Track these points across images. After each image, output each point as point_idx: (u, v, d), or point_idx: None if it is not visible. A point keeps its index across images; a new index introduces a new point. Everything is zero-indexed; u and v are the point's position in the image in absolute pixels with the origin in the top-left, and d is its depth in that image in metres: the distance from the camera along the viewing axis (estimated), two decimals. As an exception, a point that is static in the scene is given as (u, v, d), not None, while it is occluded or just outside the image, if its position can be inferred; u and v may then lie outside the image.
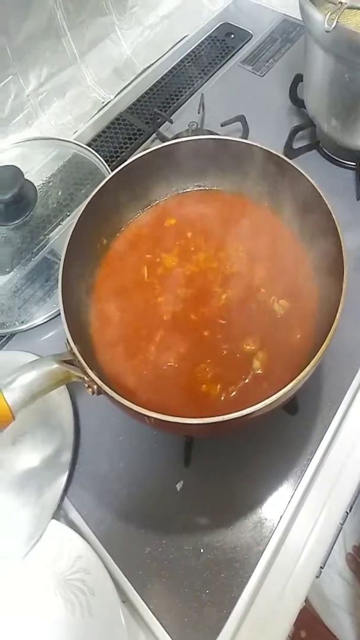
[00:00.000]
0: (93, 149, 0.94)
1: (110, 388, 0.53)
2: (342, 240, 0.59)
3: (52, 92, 1.08)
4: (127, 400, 0.52)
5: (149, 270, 0.71)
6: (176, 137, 0.99)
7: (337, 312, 0.55)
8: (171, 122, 1.04)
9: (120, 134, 1.06)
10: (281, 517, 0.65)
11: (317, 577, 0.65)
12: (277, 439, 0.69)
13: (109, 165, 0.91)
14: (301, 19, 0.79)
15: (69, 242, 0.63)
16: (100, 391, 0.55)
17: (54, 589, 0.61)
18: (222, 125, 0.98)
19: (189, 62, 1.17)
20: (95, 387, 0.55)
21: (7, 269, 0.85)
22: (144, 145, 1.04)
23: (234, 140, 0.71)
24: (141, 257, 0.72)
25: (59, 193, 0.91)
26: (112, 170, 0.69)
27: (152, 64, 1.19)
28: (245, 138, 0.94)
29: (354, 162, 0.92)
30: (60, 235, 0.87)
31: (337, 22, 0.69)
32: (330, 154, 0.94)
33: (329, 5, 0.73)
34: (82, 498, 0.68)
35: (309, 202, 0.65)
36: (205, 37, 1.21)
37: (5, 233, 0.86)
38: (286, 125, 0.99)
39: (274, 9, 1.24)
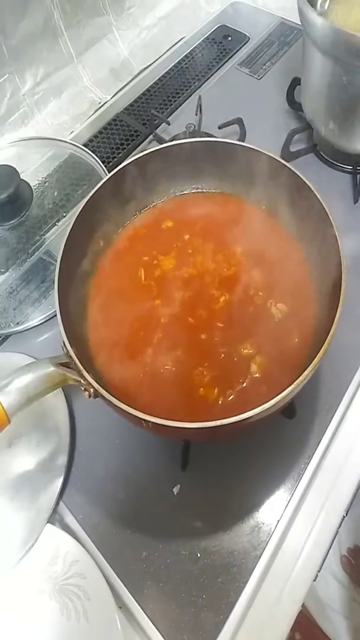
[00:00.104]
0: (89, 149, 0.94)
1: (106, 391, 0.53)
2: (340, 244, 0.59)
3: (49, 91, 1.08)
4: (124, 403, 0.51)
5: (146, 272, 0.70)
6: (173, 138, 0.98)
7: (335, 316, 0.55)
8: (168, 123, 1.04)
9: (117, 135, 1.05)
10: (278, 521, 0.64)
11: (313, 580, 0.64)
12: (275, 443, 0.68)
13: (105, 166, 0.91)
14: (298, 22, 0.79)
15: (65, 243, 0.63)
16: (96, 394, 0.54)
17: (50, 594, 0.61)
18: (219, 128, 0.98)
19: (186, 63, 1.16)
20: (91, 390, 0.54)
21: (2, 270, 0.84)
22: (141, 146, 1.03)
23: (232, 143, 0.71)
24: (138, 259, 0.72)
25: (55, 193, 0.91)
26: (108, 171, 0.69)
27: (149, 65, 1.18)
28: (243, 141, 0.94)
29: (351, 165, 0.92)
30: (56, 236, 0.86)
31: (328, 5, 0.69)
32: (327, 157, 0.94)
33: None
34: (78, 502, 0.67)
35: (306, 206, 0.65)
36: (202, 39, 1.21)
37: (0, 233, 0.85)
38: (283, 128, 0.98)
39: (270, 12, 1.24)
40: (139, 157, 0.70)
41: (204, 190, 0.78)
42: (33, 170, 0.94)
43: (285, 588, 0.60)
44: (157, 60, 1.19)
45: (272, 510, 0.65)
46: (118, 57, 1.19)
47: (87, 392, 0.55)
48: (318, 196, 0.63)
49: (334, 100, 0.81)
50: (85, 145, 1.00)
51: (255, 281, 0.68)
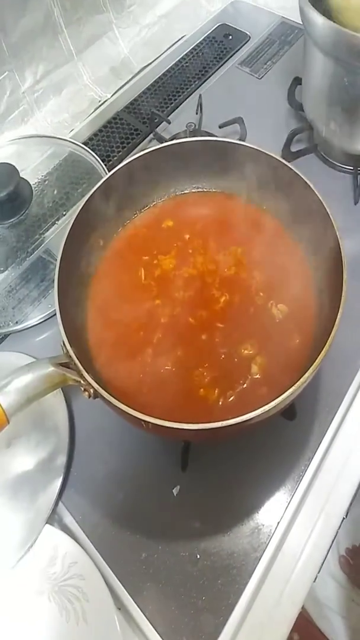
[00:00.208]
0: (89, 148, 0.93)
1: (106, 392, 0.52)
2: (342, 245, 0.59)
3: (49, 89, 1.07)
4: (124, 404, 0.51)
5: (146, 272, 0.70)
6: (174, 137, 0.98)
7: (336, 317, 0.55)
8: (169, 122, 1.04)
9: (117, 133, 1.05)
10: (278, 523, 0.64)
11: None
12: (275, 444, 0.68)
13: (105, 165, 0.90)
14: (299, 21, 0.79)
15: (65, 242, 0.63)
16: (96, 395, 0.54)
17: (48, 595, 0.60)
18: (220, 127, 0.98)
19: (186, 62, 1.16)
20: (91, 390, 0.54)
21: (2, 268, 0.83)
22: (141, 145, 1.03)
23: (233, 143, 0.71)
24: (138, 258, 0.71)
25: (55, 192, 0.90)
26: (108, 170, 0.69)
27: (150, 64, 1.18)
28: (243, 140, 0.93)
29: (351, 166, 0.92)
30: (56, 235, 0.86)
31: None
32: (328, 158, 0.94)
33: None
34: (77, 503, 0.67)
35: (307, 206, 0.65)
36: (203, 37, 1.21)
37: (-1, 232, 0.85)
38: (284, 128, 0.98)
39: (271, 11, 1.24)
40: (139, 156, 0.70)
41: (205, 190, 0.77)
42: (33, 168, 0.93)
43: (285, 590, 0.60)
44: (157, 58, 1.19)
45: (272, 512, 0.65)
46: (118, 55, 1.18)
47: (86, 393, 0.55)
48: (319, 197, 0.63)
49: (335, 100, 0.81)
50: (85, 143, 0.99)
51: (256, 282, 0.68)
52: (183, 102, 1.09)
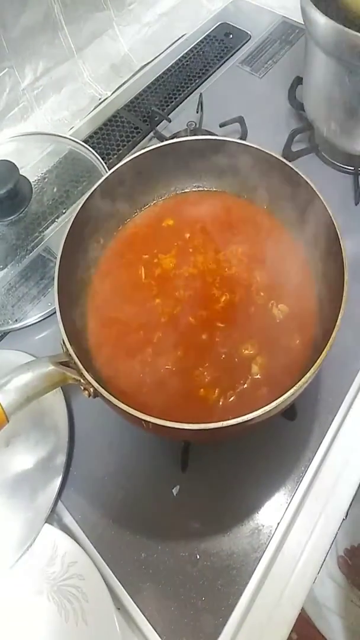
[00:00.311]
0: (89, 146, 0.93)
1: (106, 391, 0.52)
2: (343, 245, 0.58)
3: (48, 86, 1.07)
4: (124, 403, 0.51)
5: (147, 271, 0.70)
6: (174, 136, 0.98)
7: (337, 318, 0.54)
8: (169, 120, 1.03)
9: (117, 131, 1.04)
10: (278, 523, 0.64)
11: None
12: (275, 445, 0.68)
13: (105, 163, 0.90)
14: (301, 21, 0.79)
15: (65, 240, 0.63)
16: (96, 394, 0.54)
17: (48, 595, 0.60)
18: (220, 126, 0.98)
19: (187, 61, 1.16)
20: (91, 389, 0.54)
21: (1, 266, 0.83)
22: (141, 143, 1.03)
23: (235, 142, 0.70)
24: (138, 257, 0.71)
25: (55, 190, 0.90)
26: (108, 168, 0.68)
27: (150, 62, 1.17)
28: (244, 139, 0.93)
29: (352, 166, 0.92)
30: (56, 233, 0.85)
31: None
32: (328, 158, 0.94)
33: None
34: (77, 502, 0.67)
35: (308, 206, 0.65)
36: (203, 36, 1.20)
37: (-1, 229, 0.85)
38: (284, 127, 0.98)
39: (272, 10, 1.23)
40: (140, 155, 0.70)
41: (205, 189, 0.77)
42: (32, 166, 0.93)
43: (285, 591, 0.60)
44: (158, 57, 1.18)
45: (272, 513, 0.65)
46: (118, 53, 1.18)
47: (86, 392, 0.55)
48: (321, 197, 0.63)
49: (336, 100, 0.81)
50: (85, 141, 0.99)
51: (257, 281, 0.67)
52: (183, 100, 1.08)
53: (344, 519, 0.65)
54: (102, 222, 0.71)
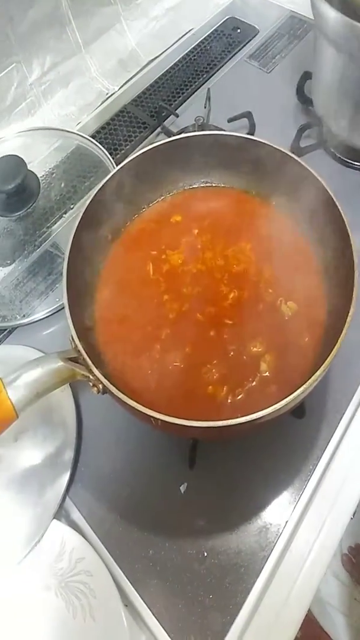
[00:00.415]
0: (96, 141, 0.93)
1: (115, 387, 0.52)
2: (353, 241, 0.58)
3: (56, 81, 1.07)
4: (133, 400, 0.51)
5: (155, 267, 0.70)
6: (182, 131, 0.98)
7: (347, 315, 0.54)
8: (177, 116, 1.03)
9: (125, 126, 1.04)
10: (286, 522, 0.64)
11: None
12: (283, 443, 0.68)
13: (112, 158, 0.90)
14: (309, 15, 0.78)
15: (74, 235, 0.62)
16: (105, 390, 0.54)
17: (55, 591, 0.60)
18: (229, 121, 0.97)
19: (194, 55, 1.15)
20: (100, 386, 0.54)
21: (9, 261, 0.83)
22: (149, 139, 1.02)
23: (245, 137, 0.70)
24: (146, 253, 0.71)
25: (62, 185, 0.90)
26: (116, 164, 0.68)
27: (158, 57, 1.17)
28: (252, 135, 0.93)
29: (361, 162, 0.92)
30: (63, 228, 0.85)
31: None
32: (337, 154, 0.93)
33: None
34: (84, 498, 0.67)
35: (318, 203, 0.65)
36: (211, 30, 1.19)
37: (7, 224, 0.85)
38: (292, 123, 0.98)
39: (280, 4, 1.22)
40: (149, 150, 0.70)
41: (214, 185, 0.77)
42: (40, 161, 0.92)
43: (293, 590, 0.60)
44: (165, 51, 1.18)
45: (280, 511, 0.65)
46: (126, 47, 1.17)
47: (95, 388, 0.55)
48: (330, 193, 0.62)
49: (346, 96, 0.80)
50: (92, 136, 0.98)
51: (265, 278, 0.67)
52: (191, 95, 1.08)
53: (351, 518, 0.65)
54: (110, 218, 0.71)
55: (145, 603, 0.60)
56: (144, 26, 1.20)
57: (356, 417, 0.69)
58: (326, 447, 0.68)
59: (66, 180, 0.91)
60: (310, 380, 0.51)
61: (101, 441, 0.71)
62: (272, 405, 0.50)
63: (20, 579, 0.61)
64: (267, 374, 0.60)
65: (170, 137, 0.73)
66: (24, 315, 0.80)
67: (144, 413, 0.50)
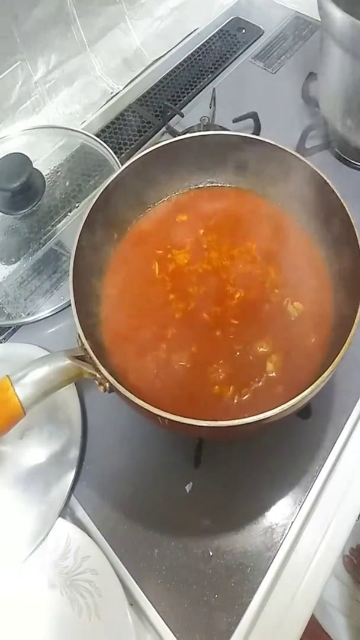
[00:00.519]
0: (101, 140, 0.93)
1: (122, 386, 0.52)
2: (360, 243, 0.58)
3: (61, 80, 1.06)
4: (141, 399, 0.51)
5: (160, 266, 0.69)
6: (187, 131, 0.98)
7: (355, 316, 0.54)
8: (182, 115, 1.03)
9: (129, 126, 1.04)
10: (292, 522, 0.64)
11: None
12: (289, 443, 0.68)
13: (117, 158, 0.90)
14: (314, 16, 0.79)
15: (80, 233, 0.62)
16: (112, 389, 0.54)
17: (60, 589, 0.60)
18: (234, 122, 0.97)
19: (199, 55, 1.15)
20: (107, 384, 0.54)
21: (14, 259, 0.83)
22: (154, 138, 1.02)
23: (252, 138, 0.70)
24: (152, 252, 0.71)
25: (67, 184, 0.90)
26: (121, 163, 0.68)
27: (162, 56, 1.17)
28: (257, 135, 0.93)
29: (367, 164, 0.92)
30: (68, 227, 0.85)
31: None
32: (342, 155, 0.93)
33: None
34: (89, 497, 0.66)
35: (325, 204, 0.65)
36: (216, 30, 1.20)
37: (12, 222, 0.85)
38: (297, 123, 0.98)
39: (285, 5, 1.23)
40: (154, 149, 0.70)
41: (219, 185, 0.77)
42: (45, 159, 0.92)
43: (298, 591, 0.60)
44: (170, 51, 1.18)
45: (285, 512, 0.65)
46: (130, 47, 1.17)
47: (102, 387, 0.55)
48: (337, 193, 0.62)
49: (352, 96, 0.80)
50: (97, 135, 0.98)
51: (271, 278, 0.67)
52: (196, 95, 1.08)
53: (357, 519, 0.65)
54: (116, 217, 0.71)
55: (150, 602, 0.60)
56: (148, 25, 1.20)
57: (362, 418, 0.69)
58: (332, 448, 0.68)
59: (71, 179, 0.91)
60: (317, 381, 0.51)
61: (106, 440, 0.70)
62: (278, 405, 0.50)
63: (25, 577, 0.61)
64: (273, 374, 0.60)
65: (175, 136, 0.73)
66: (28, 314, 0.80)
67: (151, 412, 0.50)
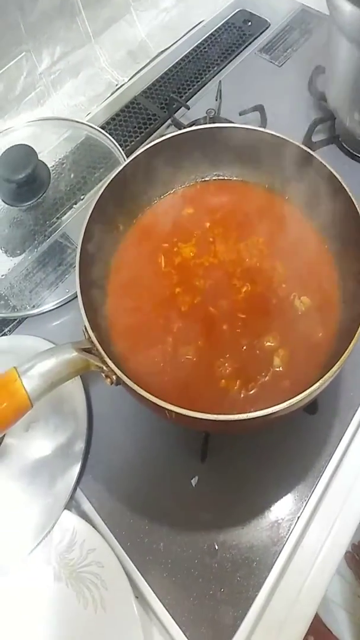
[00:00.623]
0: (106, 132, 0.92)
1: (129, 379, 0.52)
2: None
3: (65, 71, 1.06)
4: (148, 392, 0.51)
5: (166, 259, 0.69)
6: (193, 123, 0.97)
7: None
8: (188, 108, 1.02)
9: (134, 118, 1.03)
10: (299, 517, 0.63)
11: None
12: (295, 438, 0.68)
13: (122, 150, 0.89)
14: (319, 9, 0.78)
15: (86, 225, 0.62)
16: (118, 382, 0.53)
17: (66, 581, 0.60)
18: (240, 114, 0.96)
19: (205, 48, 1.14)
20: (114, 377, 0.53)
21: (19, 251, 0.83)
22: (159, 130, 1.01)
23: (259, 131, 0.70)
24: (158, 246, 0.70)
25: (72, 176, 0.89)
26: (126, 155, 0.67)
27: (168, 48, 1.16)
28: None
29: (375, 158, 0.91)
30: (73, 219, 0.85)
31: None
32: (349, 149, 0.93)
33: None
34: (95, 489, 0.66)
35: (332, 198, 0.64)
36: (222, 23, 1.19)
37: (17, 214, 0.84)
38: (304, 117, 0.97)
39: (291, -2, 1.22)
40: (161, 141, 0.69)
41: (226, 178, 0.76)
42: (49, 151, 0.92)
43: (304, 586, 0.60)
44: (175, 43, 1.17)
45: (292, 506, 0.64)
46: (135, 38, 1.16)
47: (108, 379, 0.54)
48: (346, 188, 0.62)
49: (360, 90, 0.80)
50: (102, 127, 0.97)
51: (278, 273, 0.67)
52: (201, 88, 1.07)
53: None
54: (122, 210, 0.70)
55: (156, 595, 0.59)
56: (153, 17, 1.19)
57: (369, 414, 0.69)
58: (338, 444, 0.67)
59: (76, 171, 0.90)
60: (326, 376, 0.51)
61: (112, 433, 0.70)
62: (285, 400, 0.49)
63: (31, 569, 0.61)
64: (280, 368, 0.60)
65: (181, 129, 0.72)
66: (33, 306, 0.79)
67: (158, 405, 0.50)
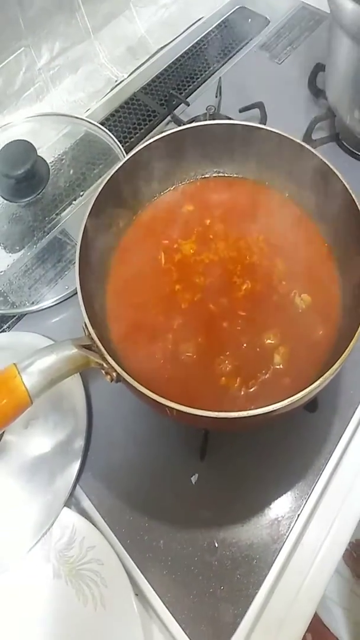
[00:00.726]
0: (106, 128, 0.92)
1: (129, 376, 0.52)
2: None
3: (65, 67, 1.05)
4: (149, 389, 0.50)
5: (166, 256, 0.69)
6: (193, 120, 0.97)
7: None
8: (187, 104, 1.02)
9: (134, 114, 1.03)
10: (299, 515, 0.64)
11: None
12: (295, 436, 0.68)
13: (122, 146, 0.89)
14: (320, 7, 0.78)
15: (86, 222, 0.61)
16: (119, 379, 0.53)
17: (66, 579, 0.60)
18: (240, 111, 0.96)
19: (204, 44, 1.14)
20: (114, 374, 0.53)
21: (18, 247, 0.82)
22: (159, 127, 1.01)
23: (259, 128, 0.70)
24: (158, 242, 0.70)
25: (71, 172, 0.89)
26: (125, 151, 0.67)
27: (167, 44, 1.16)
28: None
29: (374, 156, 0.91)
30: (73, 215, 0.85)
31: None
32: (349, 147, 0.93)
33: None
34: (95, 487, 0.66)
35: (332, 195, 0.64)
36: (221, 19, 1.18)
37: (16, 210, 0.84)
38: (304, 114, 0.97)
39: (291, -5, 1.22)
40: (162, 137, 0.69)
41: (226, 175, 0.76)
42: (49, 147, 0.92)
43: (304, 584, 0.60)
44: (175, 39, 1.16)
45: (292, 504, 0.64)
46: (135, 34, 1.16)
47: (108, 376, 0.54)
48: (347, 185, 0.62)
49: (361, 88, 0.80)
50: (102, 123, 0.97)
51: (278, 270, 0.66)
52: (201, 84, 1.07)
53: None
54: (121, 206, 0.70)
55: (156, 592, 0.59)
56: (153, 13, 1.19)
57: (369, 412, 0.69)
58: (338, 442, 0.67)
59: (75, 167, 0.90)
60: (326, 374, 0.50)
61: (111, 430, 0.70)
62: (286, 398, 0.49)
63: (30, 566, 0.61)
64: (280, 366, 0.60)
65: (180, 125, 0.72)
66: (32, 302, 0.79)
67: (158, 402, 0.50)
